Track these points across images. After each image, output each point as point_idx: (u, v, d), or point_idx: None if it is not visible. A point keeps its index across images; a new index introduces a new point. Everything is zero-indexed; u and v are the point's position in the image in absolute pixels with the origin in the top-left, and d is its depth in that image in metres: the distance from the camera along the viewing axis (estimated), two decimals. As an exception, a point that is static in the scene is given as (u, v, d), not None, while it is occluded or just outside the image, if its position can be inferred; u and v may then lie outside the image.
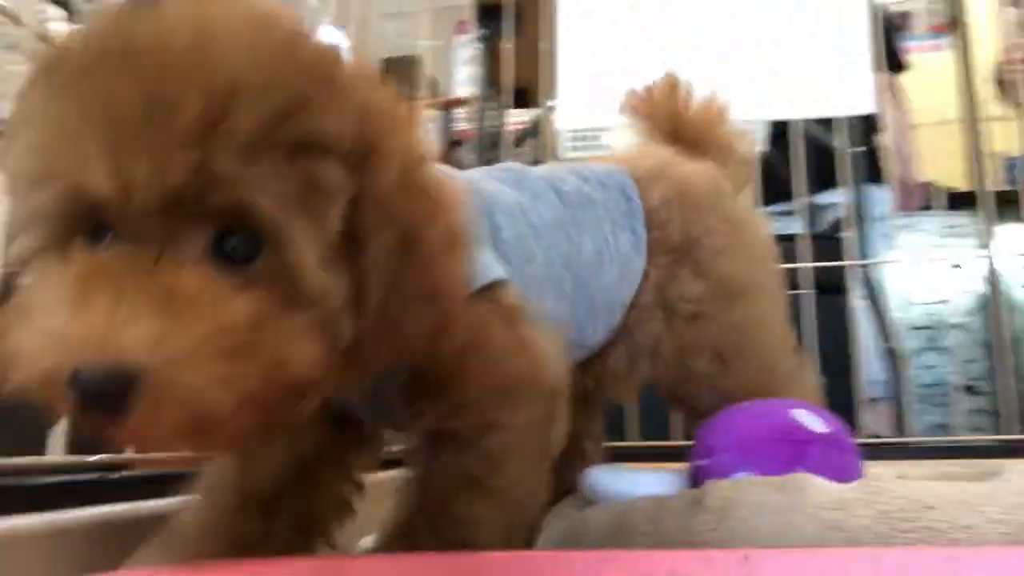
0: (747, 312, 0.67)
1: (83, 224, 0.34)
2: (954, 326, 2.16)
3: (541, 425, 0.49)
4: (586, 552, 0.45)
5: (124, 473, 0.60)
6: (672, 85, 0.77)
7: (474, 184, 0.56)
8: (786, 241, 1.31)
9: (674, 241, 0.67)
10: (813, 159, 1.19)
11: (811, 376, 0.73)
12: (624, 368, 0.67)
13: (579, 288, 0.62)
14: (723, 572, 0.37)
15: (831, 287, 1.35)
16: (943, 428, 1.97)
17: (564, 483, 0.63)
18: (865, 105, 1.11)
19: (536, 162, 1.16)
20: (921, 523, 0.42)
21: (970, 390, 2.13)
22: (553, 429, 0.50)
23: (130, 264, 0.32)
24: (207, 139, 0.31)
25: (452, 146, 2.40)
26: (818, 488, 0.46)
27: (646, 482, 0.61)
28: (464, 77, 2.49)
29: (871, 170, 1.57)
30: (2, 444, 0.51)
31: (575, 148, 1.59)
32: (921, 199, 1.84)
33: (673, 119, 0.76)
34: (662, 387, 0.69)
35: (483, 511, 0.46)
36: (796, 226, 1.22)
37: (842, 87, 1.11)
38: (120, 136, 0.31)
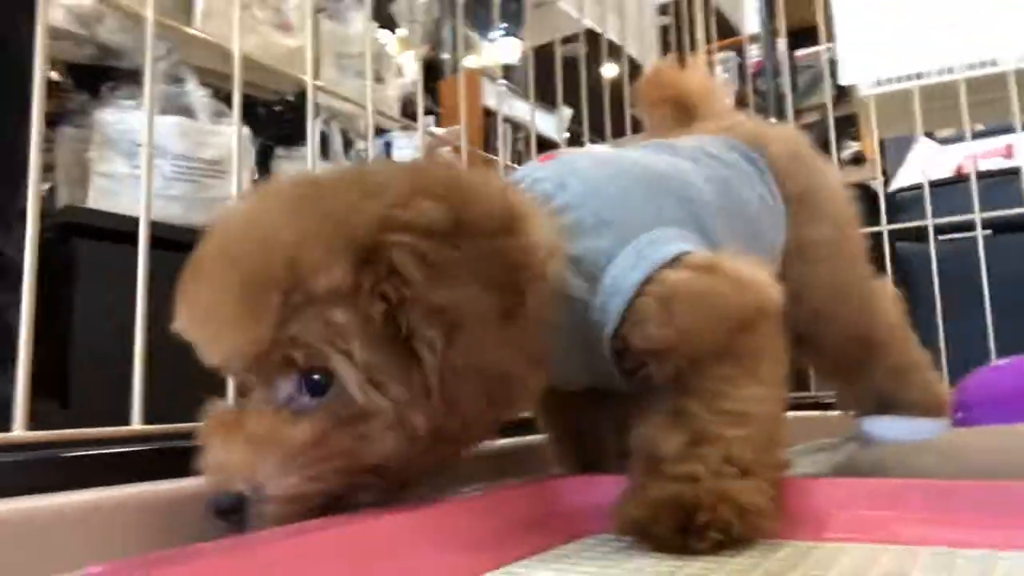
0: (851, 247, 0.77)
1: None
2: None
3: (767, 347, 0.52)
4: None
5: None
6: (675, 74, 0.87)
7: (651, 157, 0.65)
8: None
9: (797, 191, 0.74)
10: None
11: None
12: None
13: (756, 234, 0.68)
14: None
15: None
16: None
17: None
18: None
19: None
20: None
21: None
22: (780, 347, 0.53)
23: (233, 416, 0.45)
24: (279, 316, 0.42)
25: (754, 78, 2.35)
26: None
27: (916, 429, 0.75)
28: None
29: None
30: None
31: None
32: None
33: (682, 99, 0.85)
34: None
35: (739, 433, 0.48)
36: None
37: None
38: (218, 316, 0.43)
